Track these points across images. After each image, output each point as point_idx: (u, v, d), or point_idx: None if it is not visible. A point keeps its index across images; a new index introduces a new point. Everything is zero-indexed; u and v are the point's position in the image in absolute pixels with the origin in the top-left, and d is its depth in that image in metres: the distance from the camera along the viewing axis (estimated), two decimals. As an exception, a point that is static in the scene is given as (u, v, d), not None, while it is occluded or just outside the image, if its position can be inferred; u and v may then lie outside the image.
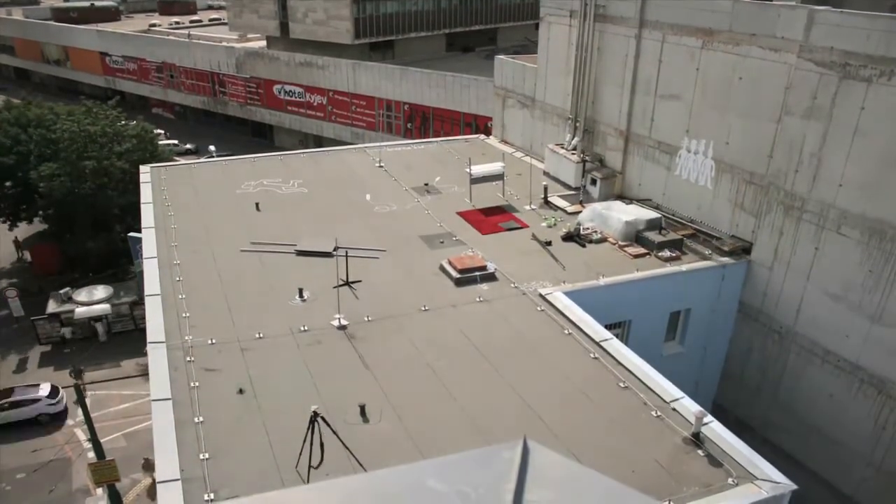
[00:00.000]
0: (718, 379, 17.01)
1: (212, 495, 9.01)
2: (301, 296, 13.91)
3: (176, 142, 52.71)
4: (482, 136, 26.86)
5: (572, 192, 19.92)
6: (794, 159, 14.20)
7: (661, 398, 10.95)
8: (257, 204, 18.69)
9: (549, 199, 19.44)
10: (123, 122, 35.72)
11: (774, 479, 9.32)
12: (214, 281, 14.66)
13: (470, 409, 10.79)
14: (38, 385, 26.82)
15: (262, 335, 12.61)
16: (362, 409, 10.53)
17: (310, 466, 9.02)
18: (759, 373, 15.89)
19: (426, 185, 20.31)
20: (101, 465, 18.76)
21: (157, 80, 61.28)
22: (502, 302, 14.00)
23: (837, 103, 13.12)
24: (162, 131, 45.29)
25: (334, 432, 9.15)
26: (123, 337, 30.58)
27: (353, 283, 14.32)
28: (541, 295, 14.10)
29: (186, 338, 12.46)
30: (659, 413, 10.64)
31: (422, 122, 43.86)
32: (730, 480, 9.34)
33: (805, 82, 13.70)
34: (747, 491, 9.18)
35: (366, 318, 13.22)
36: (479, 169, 19.51)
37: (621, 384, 11.34)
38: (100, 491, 21.53)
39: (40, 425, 25.47)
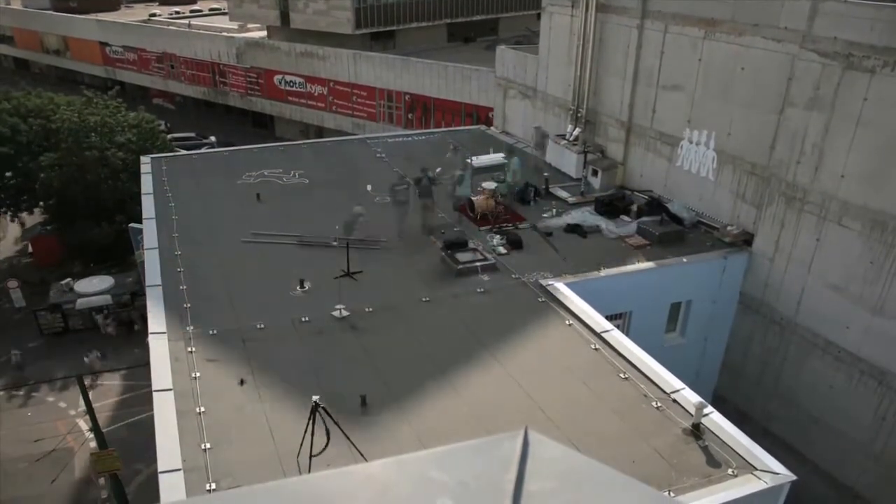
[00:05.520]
0: (719, 370, 17.03)
1: (213, 485, 9.05)
2: (302, 286, 13.92)
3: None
4: (483, 127, 26.81)
5: (574, 184, 19.90)
6: (796, 150, 14.15)
7: (662, 389, 10.97)
8: (258, 194, 18.68)
9: (550, 189, 19.43)
10: (123, 113, 35.64)
11: (774, 469, 9.35)
12: (216, 271, 14.68)
13: (471, 400, 10.82)
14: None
15: (263, 326, 12.62)
16: (363, 399, 10.56)
17: (311, 456, 9.06)
18: (759, 364, 15.91)
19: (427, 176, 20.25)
20: (103, 454, 18.82)
21: (157, 70, 61.06)
22: (503, 293, 14.01)
23: (840, 94, 13.06)
24: (163, 122, 45.11)
25: (335, 422, 9.17)
26: (125, 327, 30.64)
27: (354, 273, 14.32)
28: (542, 286, 14.11)
29: (188, 328, 12.49)
30: (659, 404, 10.66)
31: (423, 112, 43.73)
32: (730, 471, 9.37)
33: (808, 73, 13.64)
34: (747, 481, 9.21)
35: (367, 309, 13.24)
36: (480, 160, 19.50)
37: (622, 375, 11.36)
38: (101, 481, 21.63)
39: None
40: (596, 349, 12.06)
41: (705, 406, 10.17)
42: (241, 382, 11.01)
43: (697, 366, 16.37)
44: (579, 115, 20.39)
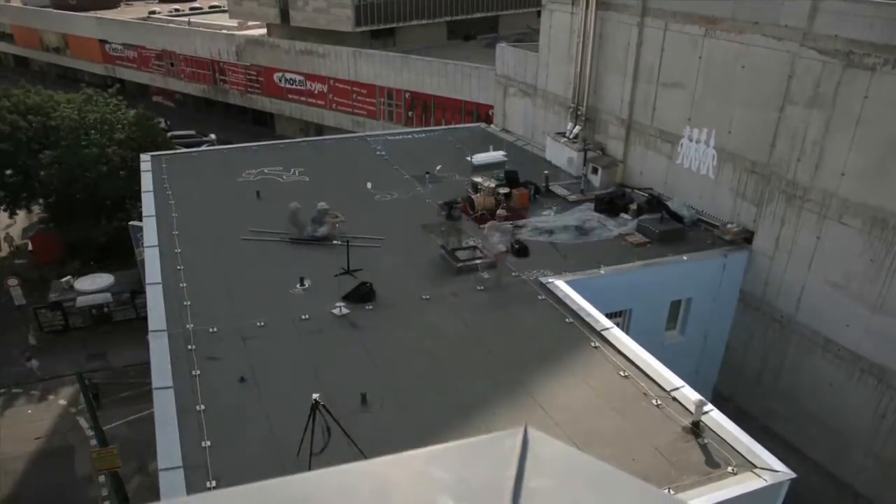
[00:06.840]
0: (719, 368, 17.04)
1: (213, 483, 9.06)
2: (302, 284, 13.92)
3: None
4: (483, 125, 26.80)
5: (574, 181, 19.89)
6: (796, 148, 14.15)
7: (662, 387, 10.97)
8: (258, 192, 18.68)
9: (550, 187, 19.42)
10: (123, 111, 35.63)
11: (774, 467, 9.35)
12: (216, 269, 14.67)
13: (471, 398, 10.82)
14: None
15: (263, 323, 12.63)
16: (363, 397, 10.56)
17: (311, 454, 9.06)
18: (759, 362, 15.92)
19: (427, 173, 20.27)
20: (104, 452, 18.84)
21: (157, 68, 61.00)
22: (503, 290, 14.00)
23: (840, 92, 13.05)
24: (162, 120, 45.04)
25: (335, 420, 9.18)
26: (125, 325, 30.67)
27: (354, 271, 14.32)
28: (542, 283, 14.11)
29: (188, 326, 12.49)
30: (659, 402, 10.66)
31: (423, 110, 43.69)
32: (729, 469, 9.38)
33: (808, 71, 13.63)
34: (747, 479, 9.21)
35: (367, 307, 13.24)
36: (480, 157, 19.50)
37: (622, 373, 11.36)
38: (101, 478, 21.65)
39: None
40: (596, 347, 12.06)
41: (705, 404, 10.17)
42: (242, 380, 11.01)
43: (697, 364, 16.37)
44: (579, 112, 20.37)
